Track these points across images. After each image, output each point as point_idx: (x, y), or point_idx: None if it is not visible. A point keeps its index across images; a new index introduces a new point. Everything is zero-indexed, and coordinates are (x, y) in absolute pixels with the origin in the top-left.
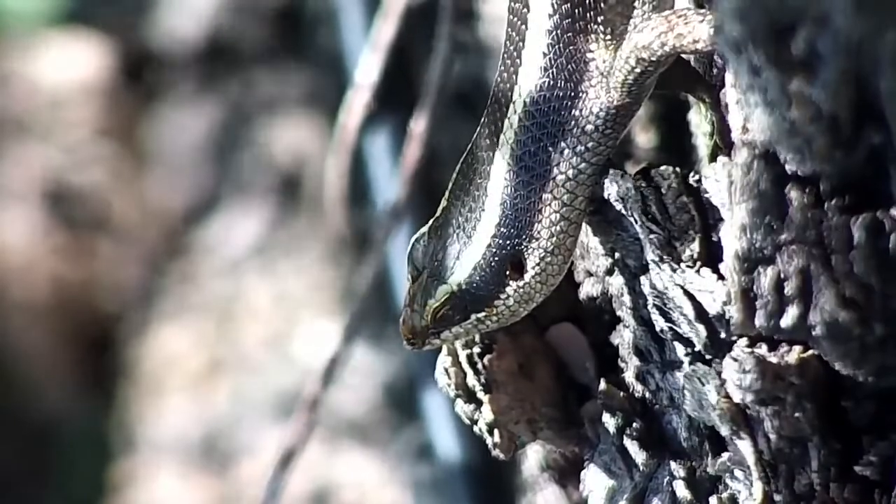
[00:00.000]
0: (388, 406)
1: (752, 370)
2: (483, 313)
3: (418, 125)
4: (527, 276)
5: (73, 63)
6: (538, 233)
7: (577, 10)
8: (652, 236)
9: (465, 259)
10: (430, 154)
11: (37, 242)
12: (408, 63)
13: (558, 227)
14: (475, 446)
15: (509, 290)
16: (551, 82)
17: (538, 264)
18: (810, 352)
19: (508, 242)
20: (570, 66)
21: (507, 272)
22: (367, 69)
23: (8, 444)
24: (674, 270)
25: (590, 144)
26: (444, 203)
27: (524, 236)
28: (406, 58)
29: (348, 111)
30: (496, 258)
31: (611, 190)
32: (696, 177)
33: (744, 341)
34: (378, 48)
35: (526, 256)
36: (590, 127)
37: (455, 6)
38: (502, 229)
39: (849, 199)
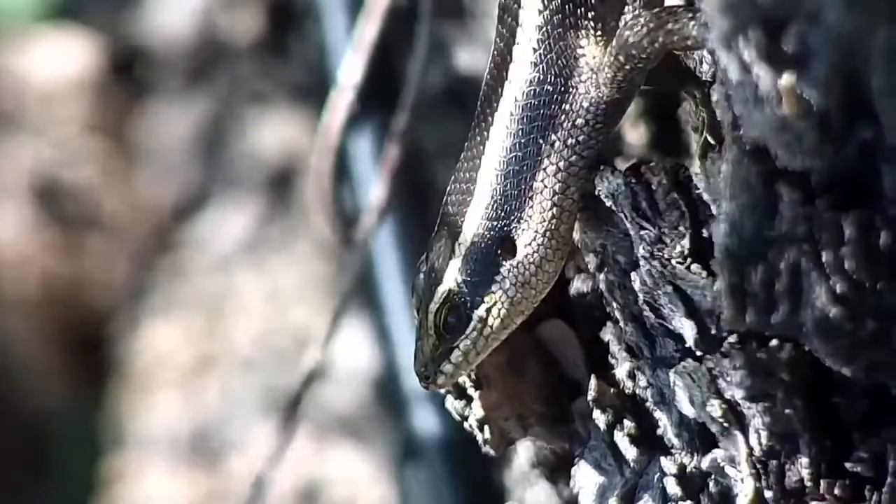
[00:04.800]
0: (377, 402)
1: (743, 366)
2: (483, 307)
3: (398, 124)
4: (519, 255)
5: (62, 59)
6: (528, 216)
7: (567, 7)
8: (642, 232)
9: (457, 251)
10: (415, 150)
11: (26, 238)
12: (391, 63)
13: (550, 213)
14: (464, 442)
15: (503, 271)
16: (541, 77)
17: (529, 244)
18: (801, 348)
19: (497, 224)
20: (560, 62)
21: (499, 252)
22: (350, 70)
23: None
24: (664, 267)
25: (580, 138)
26: (438, 219)
27: (514, 218)
28: (390, 58)
29: (332, 111)
30: (486, 240)
31: (601, 186)
32: (687, 173)
33: (734, 337)
34: (361, 49)
35: (516, 237)
36: (580, 121)
37: (434, 6)
38: (491, 212)
39: (839, 194)
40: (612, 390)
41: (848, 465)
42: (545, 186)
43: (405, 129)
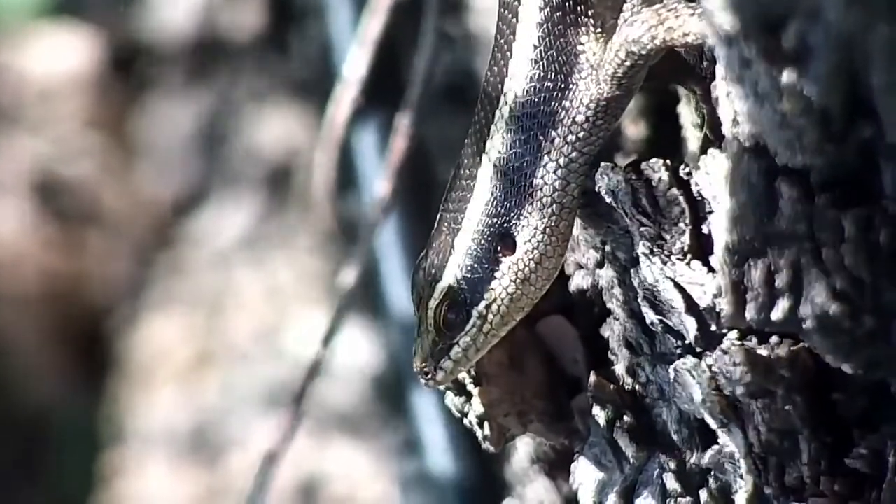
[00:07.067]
0: (377, 399)
1: (743, 363)
2: (483, 304)
3: (403, 118)
4: (518, 252)
5: (62, 55)
6: (528, 213)
7: (567, 3)
8: (642, 229)
9: (457, 246)
10: (418, 146)
11: (26, 234)
12: (396, 57)
13: (550, 210)
14: (464, 440)
15: (503, 267)
16: (542, 74)
17: (529, 241)
18: (801, 345)
19: (497, 221)
20: (560, 59)
21: (499, 248)
22: (354, 64)
23: None
24: (664, 263)
25: (581, 134)
26: (438, 215)
27: (513, 215)
28: (394, 52)
29: (336, 106)
30: (486, 236)
31: (601, 183)
32: (687, 169)
33: (734, 334)
34: (366, 43)
35: (516, 233)
36: (580, 118)
37: (440, 0)
38: (491, 209)
39: (839, 192)
40: (611, 386)
41: (847, 461)
42: (545, 183)
43: (411, 123)
